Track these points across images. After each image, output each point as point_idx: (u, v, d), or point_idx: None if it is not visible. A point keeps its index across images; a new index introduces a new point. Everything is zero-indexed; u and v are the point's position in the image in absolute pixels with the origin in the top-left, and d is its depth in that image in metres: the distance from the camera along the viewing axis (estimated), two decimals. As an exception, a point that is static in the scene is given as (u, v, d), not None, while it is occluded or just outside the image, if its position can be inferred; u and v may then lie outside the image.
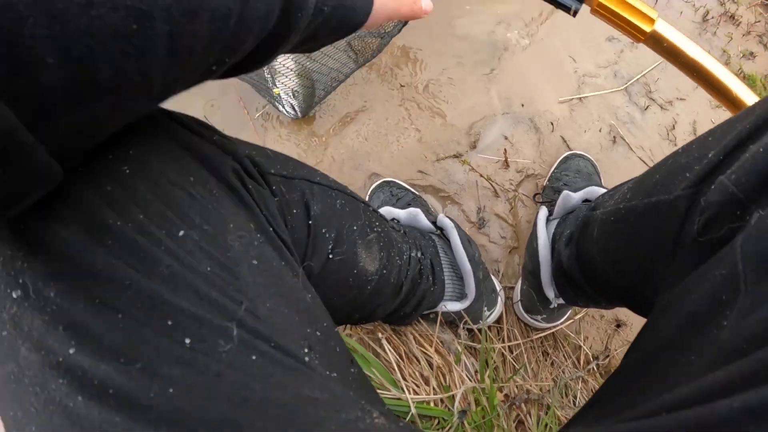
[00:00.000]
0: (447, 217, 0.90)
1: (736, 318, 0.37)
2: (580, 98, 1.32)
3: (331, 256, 0.52)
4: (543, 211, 0.96)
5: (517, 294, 1.07)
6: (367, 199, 1.14)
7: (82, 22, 0.25)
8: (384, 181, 1.17)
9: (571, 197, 0.90)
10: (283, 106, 1.22)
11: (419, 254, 0.78)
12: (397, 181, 1.18)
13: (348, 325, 0.93)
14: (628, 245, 0.61)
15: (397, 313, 0.77)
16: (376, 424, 0.35)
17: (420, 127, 1.26)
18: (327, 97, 1.28)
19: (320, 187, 0.54)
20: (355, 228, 0.56)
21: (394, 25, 1.09)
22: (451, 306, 0.89)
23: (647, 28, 0.72)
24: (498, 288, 1.02)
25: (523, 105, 1.30)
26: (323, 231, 0.52)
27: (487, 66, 1.34)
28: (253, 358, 0.34)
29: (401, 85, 1.31)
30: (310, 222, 0.50)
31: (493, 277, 1.02)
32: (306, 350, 0.38)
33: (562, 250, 0.82)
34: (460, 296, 0.91)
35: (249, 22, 0.34)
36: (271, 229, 0.44)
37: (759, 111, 0.45)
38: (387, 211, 0.94)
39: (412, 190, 1.16)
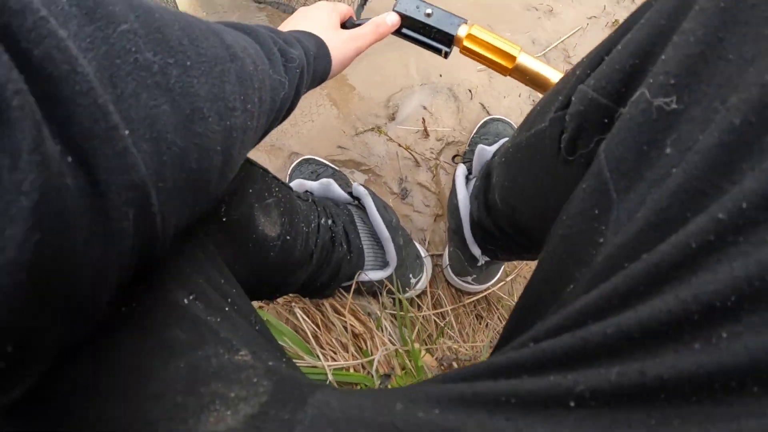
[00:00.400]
0: (361, 185, 0.93)
1: (612, 232, 0.36)
2: (498, 64, 1.36)
3: (225, 219, 0.54)
4: (461, 168, 1.00)
5: (445, 259, 1.11)
6: (287, 179, 1.16)
7: None
8: (303, 159, 1.19)
9: (485, 150, 0.94)
10: None
11: (329, 222, 0.81)
12: (316, 158, 1.20)
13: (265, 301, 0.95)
14: (519, 184, 0.63)
15: (313, 284, 0.80)
16: (235, 359, 0.37)
17: (337, 102, 1.29)
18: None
19: None
20: (250, 191, 0.58)
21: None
22: (373, 275, 0.92)
23: (509, 65, 0.83)
24: (423, 254, 1.06)
25: (441, 75, 1.34)
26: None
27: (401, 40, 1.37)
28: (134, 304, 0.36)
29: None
30: None
31: (417, 244, 1.06)
32: (191, 296, 0.40)
33: (473, 202, 0.86)
34: (383, 265, 0.94)
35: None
36: None
37: (624, 24, 0.45)
38: (299, 183, 0.96)
39: (332, 165, 1.18)
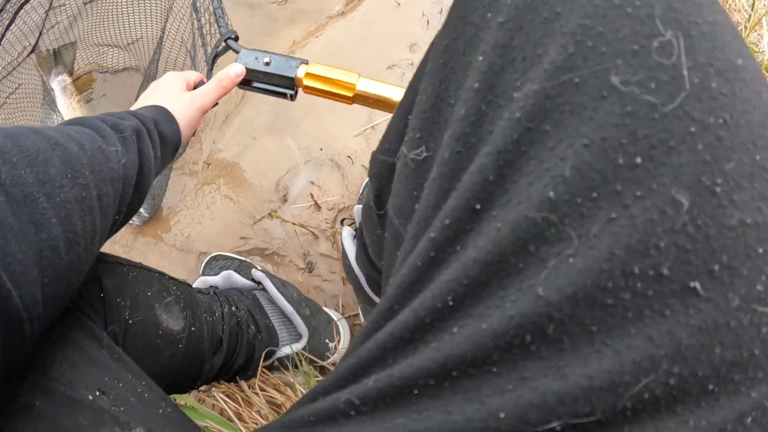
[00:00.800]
0: (259, 269, 1.05)
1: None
2: (372, 127, 1.51)
3: (130, 321, 0.65)
4: (346, 230, 1.12)
5: (360, 317, 1.22)
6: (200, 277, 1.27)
7: None
8: (211, 257, 1.30)
9: (360, 209, 1.05)
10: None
11: (233, 308, 0.92)
12: (223, 253, 1.31)
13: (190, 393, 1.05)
14: (374, 240, 0.73)
15: (232, 368, 0.90)
16: None
17: (232, 197, 1.41)
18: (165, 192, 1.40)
19: (109, 264, 0.67)
20: (149, 294, 0.69)
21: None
22: (287, 349, 1.02)
23: (350, 93, 0.90)
24: (335, 318, 1.17)
25: (321, 149, 1.47)
26: (117, 300, 0.64)
27: (279, 124, 1.51)
28: (37, 403, 0.48)
29: (207, 165, 1.45)
30: (102, 295, 0.63)
31: (327, 310, 1.17)
32: (97, 393, 0.50)
33: (358, 260, 0.97)
34: (297, 338, 1.05)
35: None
36: (71, 304, 0.59)
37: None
38: (202, 281, 1.07)
39: (238, 257, 1.29)
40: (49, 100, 1.35)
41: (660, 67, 0.30)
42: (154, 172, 0.66)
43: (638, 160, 0.30)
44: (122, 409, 0.52)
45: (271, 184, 1.43)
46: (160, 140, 0.70)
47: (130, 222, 1.33)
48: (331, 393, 0.38)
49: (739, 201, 0.29)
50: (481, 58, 0.37)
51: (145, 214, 1.33)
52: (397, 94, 0.89)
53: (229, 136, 1.50)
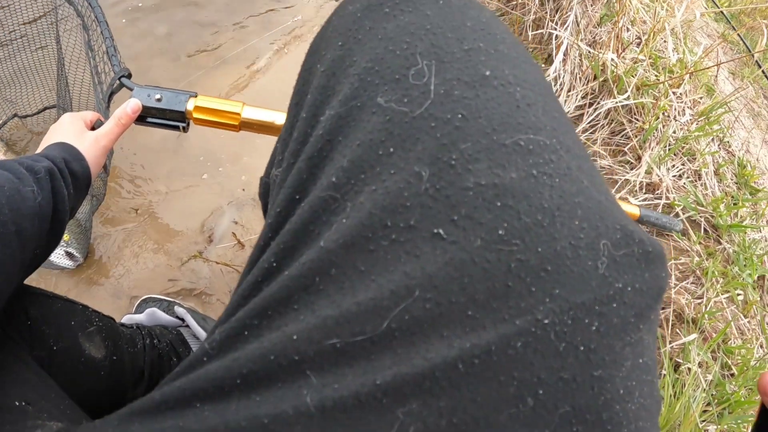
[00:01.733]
0: (181, 306, 1.11)
1: None
2: (294, 169, 1.59)
3: (55, 348, 0.70)
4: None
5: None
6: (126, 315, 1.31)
7: None
8: (142, 300, 1.35)
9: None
10: (63, 262, 1.37)
11: (155, 341, 0.98)
12: (153, 295, 1.36)
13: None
14: None
15: (155, 397, 0.95)
16: (49, 424, 0.56)
17: (159, 241, 1.46)
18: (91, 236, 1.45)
19: (36, 296, 0.73)
20: (73, 323, 0.75)
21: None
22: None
23: (236, 122, 0.99)
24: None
25: (243, 189, 1.55)
26: (42, 328, 0.70)
27: (203, 166, 1.58)
28: None
29: (135, 210, 1.50)
30: (29, 322, 0.69)
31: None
32: (23, 403, 0.57)
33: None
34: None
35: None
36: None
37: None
38: (128, 318, 1.13)
39: (168, 298, 1.34)
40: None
41: (413, 87, 0.41)
42: (68, 209, 0.71)
43: (391, 149, 0.40)
44: (45, 415, 0.58)
45: (196, 226, 1.49)
46: (72, 177, 0.75)
47: (64, 267, 1.38)
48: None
49: (475, 169, 0.38)
50: (309, 96, 0.48)
51: (79, 256, 1.37)
52: (279, 118, 0.98)
53: (155, 179, 1.57)
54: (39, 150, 0.82)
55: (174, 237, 1.48)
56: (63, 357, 0.72)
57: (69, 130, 0.86)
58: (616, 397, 0.37)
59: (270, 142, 0.99)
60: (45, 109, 1.56)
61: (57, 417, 0.59)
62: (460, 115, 0.40)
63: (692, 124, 1.75)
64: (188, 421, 0.40)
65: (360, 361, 0.37)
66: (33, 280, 1.40)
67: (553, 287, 0.36)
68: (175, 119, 0.99)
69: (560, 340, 0.36)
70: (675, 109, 1.75)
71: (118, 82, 1.04)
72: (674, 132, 1.72)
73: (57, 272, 1.41)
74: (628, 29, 1.87)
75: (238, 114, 0.98)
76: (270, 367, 0.39)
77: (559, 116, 0.44)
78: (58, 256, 1.35)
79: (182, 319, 1.12)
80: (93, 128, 0.93)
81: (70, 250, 1.34)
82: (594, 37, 1.81)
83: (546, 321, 0.36)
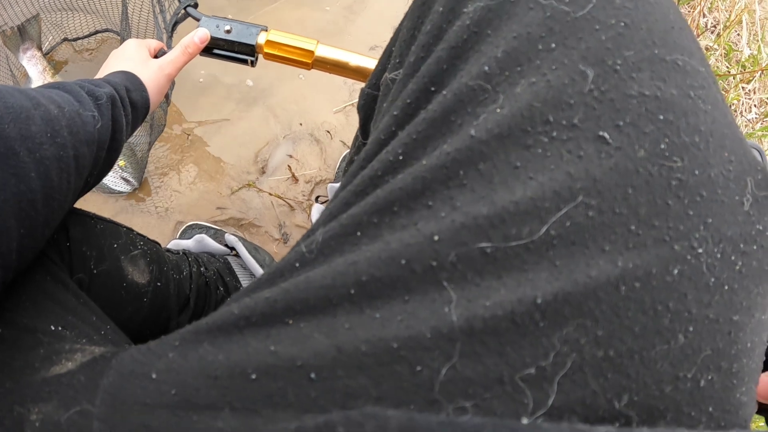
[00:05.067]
0: (232, 234, 1.05)
1: None
2: (353, 104, 1.52)
3: (95, 271, 0.66)
4: (316, 207, 1.14)
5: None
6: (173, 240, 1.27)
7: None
8: (187, 226, 1.30)
9: (335, 187, 1.07)
10: (119, 187, 1.34)
11: (202, 269, 0.93)
12: (199, 222, 1.31)
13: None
14: None
15: (199, 326, 0.91)
16: (90, 348, 0.52)
17: (210, 168, 1.41)
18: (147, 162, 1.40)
19: (77, 216, 0.68)
20: (115, 246, 0.70)
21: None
22: (259, 312, 1.03)
23: (308, 60, 0.95)
24: (307, 288, 1.18)
25: (301, 124, 1.48)
26: (83, 249, 0.65)
27: (260, 96, 1.51)
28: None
29: (188, 135, 1.45)
30: (68, 244, 0.64)
31: (299, 279, 1.18)
32: (60, 328, 0.52)
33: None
34: (269, 302, 1.06)
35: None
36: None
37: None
38: (175, 244, 1.08)
39: (215, 226, 1.30)
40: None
41: None
42: (124, 138, 0.68)
43: (553, 45, 0.37)
44: (84, 340, 0.53)
45: (250, 156, 1.44)
46: (131, 107, 0.73)
47: (119, 191, 1.34)
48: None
49: (639, 78, 0.36)
50: None
51: (134, 181, 1.34)
52: (354, 59, 0.94)
53: (209, 107, 1.51)
54: (100, 75, 0.80)
55: (225, 165, 1.42)
56: (104, 281, 0.67)
57: (133, 57, 0.84)
58: (744, 349, 0.35)
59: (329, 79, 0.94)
60: (96, 32, 1.51)
61: (98, 342, 0.55)
62: (623, 23, 0.37)
63: (757, 123, 1.67)
64: (282, 342, 0.35)
65: (512, 272, 0.33)
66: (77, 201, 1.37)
67: (707, 215, 0.34)
68: (244, 52, 0.96)
69: (710, 274, 0.34)
70: (743, 104, 1.68)
71: (183, 11, 1.00)
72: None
73: (99, 199, 1.37)
74: (704, 15, 1.77)
75: (312, 51, 0.94)
76: (398, 275, 0.34)
77: (700, 48, 0.41)
78: (113, 182, 1.32)
79: (231, 248, 1.07)
80: (156, 57, 0.90)
81: (126, 175, 1.31)
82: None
83: (700, 250, 0.34)
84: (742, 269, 0.35)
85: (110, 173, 1.32)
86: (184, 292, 0.84)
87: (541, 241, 0.33)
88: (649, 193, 0.33)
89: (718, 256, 0.34)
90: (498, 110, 0.36)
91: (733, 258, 0.35)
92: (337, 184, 1.07)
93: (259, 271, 1.02)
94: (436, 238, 0.34)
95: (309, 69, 0.96)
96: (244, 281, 1.04)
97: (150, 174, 1.41)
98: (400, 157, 0.39)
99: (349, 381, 0.33)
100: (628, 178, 0.33)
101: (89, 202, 1.36)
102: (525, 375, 0.31)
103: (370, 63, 0.92)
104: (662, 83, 0.36)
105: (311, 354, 0.34)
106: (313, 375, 0.33)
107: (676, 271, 0.33)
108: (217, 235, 1.22)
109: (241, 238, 1.06)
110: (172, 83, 1.16)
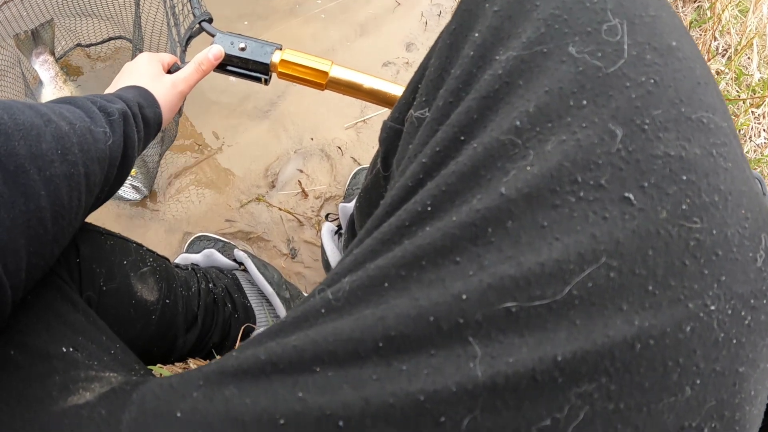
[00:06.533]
0: (241, 250, 1.04)
1: None
2: (364, 120, 1.51)
3: (105, 288, 0.64)
4: (326, 226, 1.12)
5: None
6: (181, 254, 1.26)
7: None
8: (195, 237, 1.29)
9: (346, 207, 1.06)
10: (128, 195, 1.33)
11: (210, 285, 0.92)
12: (207, 234, 1.30)
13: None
14: (368, 216, 0.76)
15: (206, 345, 0.89)
16: (101, 375, 0.50)
17: (220, 181, 1.40)
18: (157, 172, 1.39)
19: (87, 232, 0.67)
20: (125, 263, 0.69)
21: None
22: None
23: (322, 81, 0.94)
24: (314, 305, 1.16)
25: (312, 139, 1.47)
26: (93, 266, 0.64)
27: (272, 111, 1.50)
28: (12, 352, 0.49)
29: (198, 145, 1.45)
30: (78, 261, 0.63)
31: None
32: (71, 349, 0.51)
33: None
34: (277, 319, 1.04)
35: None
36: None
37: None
38: (184, 258, 1.07)
39: (223, 239, 1.28)
40: (29, 93, 1.33)
41: (606, 43, 0.39)
42: (136, 155, 0.67)
43: (584, 102, 0.38)
44: (95, 363, 0.52)
45: (260, 170, 1.42)
46: (144, 124, 0.72)
47: (129, 199, 1.33)
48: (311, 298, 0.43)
49: (665, 138, 0.36)
50: (476, 35, 0.46)
51: (144, 190, 1.33)
52: (368, 81, 0.93)
53: (220, 119, 1.49)
54: (111, 89, 0.79)
55: (235, 177, 1.41)
56: (113, 298, 0.66)
57: (146, 71, 0.83)
58: (748, 398, 0.37)
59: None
60: (110, 39, 1.50)
61: (109, 365, 0.54)
62: (652, 81, 0.38)
63: (766, 148, 1.67)
64: (310, 390, 0.35)
65: (534, 330, 0.34)
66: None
67: (721, 273, 0.35)
68: (258, 71, 0.95)
69: (720, 330, 0.35)
70: (752, 129, 1.67)
71: (198, 26, 0.99)
72: (746, 152, 1.61)
73: (109, 205, 1.36)
74: (716, 38, 1.76)
75: (326, 72, 0.93)
76: (426, 331, 0.35)
77: (723, 101, 0.43)
78: (124, 190, 1.30)
79: (240, 264, 1.06)
80: (169, 72, 0.88)
81: (137, 183, 1.30)
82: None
83: (712, 308, 0.35)
84: (750, 323, 0.36)
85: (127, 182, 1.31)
86: (193, 310, 0.83)
87: (563, 301, 0.33)
88: (667, 254, 0.35)
89: (729, 312, 0.35)
90: (528, 168, 0.37)
91: (743, 313, 0.36)
92: (349, 204, 1.06)
93: (267, 288, 1.01)
94: (464, 297, 0.34)
95: (323, 90, 0.95)
96: (252, 298, 1.02)
97: (159, 184, 1.39)
98: (429, 209, 0.40)
99: (375, 431, 0.33)
100: (649, 240, 0.34)
101: (98, 209, 1.35)
102: (541, 426, 0.32)
103: (384, 86, 0.91)
104: (687, 143, 0.37)
105: (340, 404, 0.34)
106: (341, 423, 0.34)
107: (688, 329, 0.34)
108: (226, 248, 1.21)
109: (250, 255, 1.05)
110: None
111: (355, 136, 1.48)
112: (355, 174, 1.35)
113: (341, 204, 1.08)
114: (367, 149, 1.46)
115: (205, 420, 0.38)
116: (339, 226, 1.15)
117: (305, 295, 1.17)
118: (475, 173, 0.39)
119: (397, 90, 0.91)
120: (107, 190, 0.63)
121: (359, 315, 0.37)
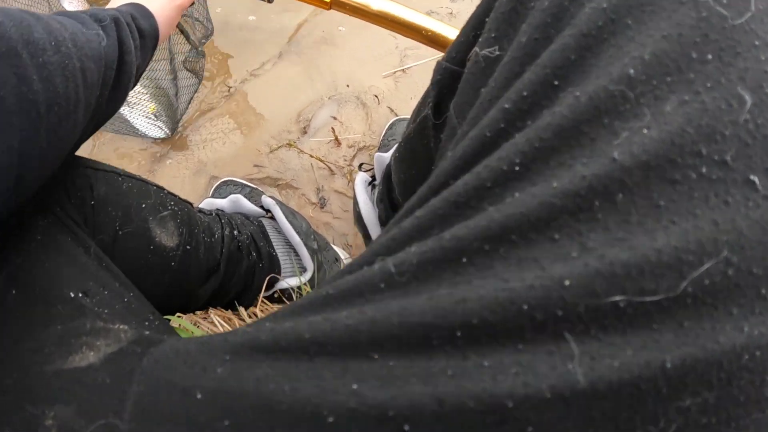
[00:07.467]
0: (269, 196, 0.99)
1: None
2: (403, 70, 1.44)
3: (120, 232, 0.60)
4: (360, 176, 1.06)
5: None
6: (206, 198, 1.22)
7: None
8: (222, 182, 1.24)
9: (383, 157, 1.00)
10: (151, 132, 1.28)
11: (235, 232, 0.87)
12: (234, 179, 1.25)
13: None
14: (412, 175, 0.70)
15: (227, 294, 0.85)
16: (109, 326, 0.45)
17: (250, 124, 1.34)
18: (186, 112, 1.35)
19: (104, 173, 0.62)
20: (144, 206, 0.64)
21: (202, 36, 1.18)
22: (291, 281, 0.97)
23: None
24: (343, 256, 1.12)
25: (348, 86, 1.40)
26: (108, 209, 0.60)
27: (306, 53, 1.44)
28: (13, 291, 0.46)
29: (229, 88, 1.39)
30: (93, 202, 0.58)
31: (335, 247, 1.12)
32: (80, 294, 0.47)
33: (379, 206, 0.92)
34: (302, 271, 1.00)
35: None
36: (58, 209, 0.56)
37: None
38: (209, 203, 1.02)
39: (250, 184, 1.23)
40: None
41: None
42: (134, 61, 0.64)
43: (709, 56, 0.31)
44: (105, 311, 0.47)
45: (292, 115, 1.36)
46: (139, 35, 0.69)
47: (149, 136, 1.28)
48: (363, 266, 0.35)
49: None
50: None
51: (167, 130, 1.28)
52: (375, 3, 0.88)
53: (252, 58, 1.43)
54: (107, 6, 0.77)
55: (266, 121, 1.36)
56: (129, 243, 0.61)
57: None
58: None
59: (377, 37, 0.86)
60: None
61: (120, 314, 0.49)
62: None
63: None
64: (367, 382, 0.29)
65: (639, 330, 0.28)
66: (106, 158, 1.32)
67: None
68: None
69: None
70: None
71: None
72: None
73: (136, 146, 1.32)
74: None
75: None
76: (516, 321, 0.28)
77: None
78: (145, 125, 1.26)
79: (267, 211, 1.01)
80: None
81: (159, 124, 1.25)
82: None
83: None
84: None
85: (143, 118, 1.28)
86: (215, 257, 0.78)
87: (676, 299, 0.28)
88: None
89: None
90: (644, 131, 0.30)
91: None
92: (386, 154, 1.00)
93: (295, 237, 0.96)
94: (566, 283, 0.28)
95: (327, 9, 0.90)
96: (278, 247, 0.97)
97: (186, 125, 1.34)
98: (516, 168, 0.32)
99: None
100: None
101: (121, 147, 1.31)
102: None
103: (394, 8, 0.86)
104: None
105: (407, 404, 0.27)
106: (407, 428, 0.27)
107: None
108: (253, 194, 1.16)
109: (278, 202, 0.99)
110: (211, 27, 1.10)
111: (393, 85, 1.41)
112: (392, 124, 1.29)
113: (377, 153, 1.02)
114: (405, 99, 1.39)
115: (233, 404, 0.31)
116: (373, 177, 1.09)
117: (333, 247, 1.12)
118: (578, 129, 0.32)
119: (433, 25, 0.84)
120: (108, 94, 0.60)
121: (432, 295, 0.30)
